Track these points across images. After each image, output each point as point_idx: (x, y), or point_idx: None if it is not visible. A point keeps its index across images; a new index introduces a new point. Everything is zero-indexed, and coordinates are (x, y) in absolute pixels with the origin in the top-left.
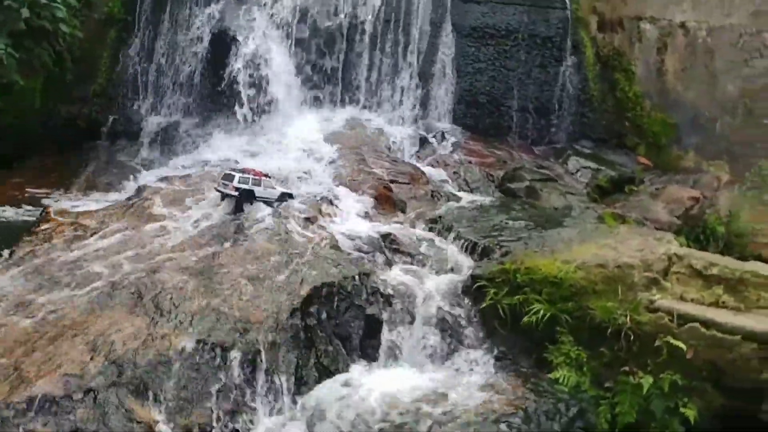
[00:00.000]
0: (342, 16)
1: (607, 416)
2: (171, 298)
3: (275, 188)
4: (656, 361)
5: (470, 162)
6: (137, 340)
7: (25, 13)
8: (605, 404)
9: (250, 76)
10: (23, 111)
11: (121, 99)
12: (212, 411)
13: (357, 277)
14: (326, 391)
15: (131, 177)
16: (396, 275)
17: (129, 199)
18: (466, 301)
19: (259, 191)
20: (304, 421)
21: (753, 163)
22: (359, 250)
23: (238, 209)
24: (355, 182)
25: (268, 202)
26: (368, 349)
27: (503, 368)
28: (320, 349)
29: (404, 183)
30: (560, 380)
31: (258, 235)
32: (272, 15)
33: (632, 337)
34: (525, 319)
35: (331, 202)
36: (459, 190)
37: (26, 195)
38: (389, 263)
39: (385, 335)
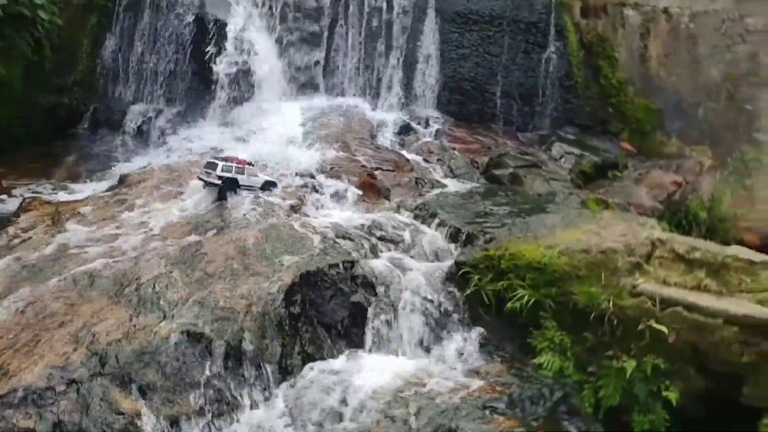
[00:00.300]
0: (326, 1)
1: (591, 400)
2: (154, 288)
3: (258, 176)
4: (639, 345)
5: (454, 149)
6: (120, 330)
7: None
8: (589, 388)
9: (233, 62)
10: (1, 100)
11: (102, 87)
12: (197, 401)
13: (341, 264)
14: (311, 379)
15: (113, 166)
16: (380, 263)
17: (111, 188)
18: (451, 287)
19: (242, 179)
20: (289, 409)
21: (735, 148)
22: (343, 237)
23: (221, 198)
24: (338, 170)
25: (251, 191)
26: (353, 336)
27: (488, 354)
28: (305, 338)
29: (388, 170)
30: (544, 365)
31: (241, 223)
32: (255, 1)
33: (615, 322)
34: (509, 305)
35: (315, 190)
36: (443, 177)
37: (6, 185)
38: (374, 251)
39: (370, 322)
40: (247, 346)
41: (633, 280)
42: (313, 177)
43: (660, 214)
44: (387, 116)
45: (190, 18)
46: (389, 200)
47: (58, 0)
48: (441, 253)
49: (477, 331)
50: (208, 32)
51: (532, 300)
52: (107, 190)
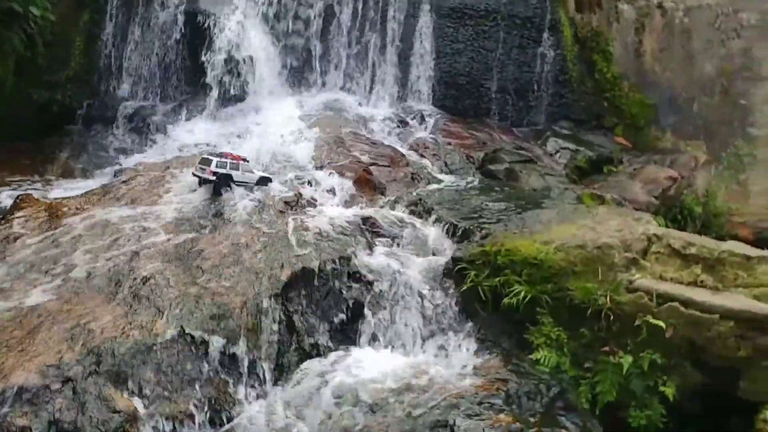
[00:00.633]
0: None
1: (588, 396)
2: (149, 285)
3: (253, 172)
4: (636, 341)
5: (450, 144)
6: (115, 328)
7: None
8: (586, 384)
9: (227, 58)
10: None
11: (95, 83)
12: (193, 398)
13: (337, 260)
14: (307, 375)
15: (107, 163)
16: (377, 258)
17: (105, 185)
18: (447, 283)
19: (237, 175)
20: (285, 405)
21: (730, 143)
22: (339, 233)
23: (215, 194)
24: (334, 165)
25: (246, 187)
26: (349, 332)
27: (484, 350)
28: (301, 334)
29: (384, 166)
30: (541, 361)
31: (236, 219)
32: None
33: (612, 317)
34: (505, 300)
35: (310, 185)
36: (439, 173)
37: None
38: (370, 246)
39: (366, 319)
40: (243, 343)
41: (629, 275)
42: (308, 172)
43: (655, 209)
44: (382, 111)
45: (183, 13)
46: (385, 195)
47: None
48: (437, 248)
49: (473, 327)
50: (202, 27)
51: (529, 296)
52: (101, 187)
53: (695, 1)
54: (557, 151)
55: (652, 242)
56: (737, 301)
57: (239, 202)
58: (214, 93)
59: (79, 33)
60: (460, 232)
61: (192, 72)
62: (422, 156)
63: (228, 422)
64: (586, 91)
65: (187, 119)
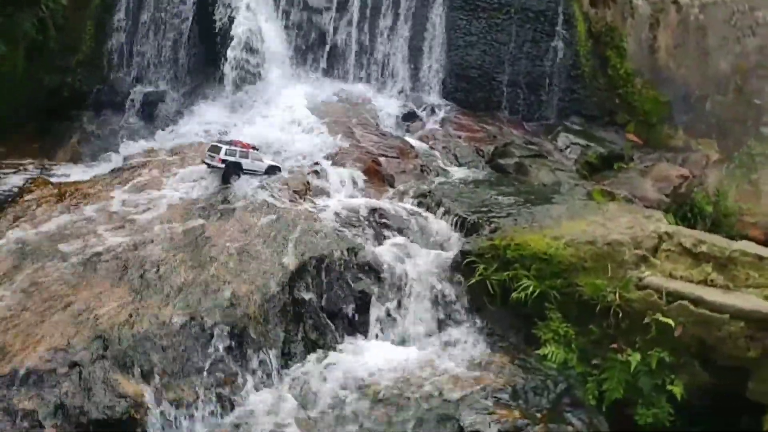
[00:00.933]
0: None
1: (595, 393)
2: (157, 271)
3: (263, 161)
4: (645, 339)
5: (460, 137)
6: (123, 314)
7: None
8: (593, 381)
9: (238, 45)
10: (5, 79)
11: (106, 68)
12: (200, 385)
13: (345, 251)
14: (314, 365)
15: (116, 148)
16: (385, 250)
17: (114, 170)
18: (456, 276)
19: (246, 163)
20: (291, 394)
21: (742, 142)
22: (348, 224)
23: (224, 181)
24: (343, 156)
25: (255, 175)
26: (357, 324)
27: (492, 344)
28: (308, 324)
29: (393, 157)
30: (548, 356)
31: (245, 208)
32: None
33: (621, 315)
34: (514, 295)
35: (319, 176)
36: (448, 165)
37: (9, 165)
38: (378, 238)
39: (374, 310)
40: (250, 331)
41: (639, 272)
42: (317, 162)
43: (665, 207)
44: (392, 102)
45: None
46: (394, 187)
47: None
48: (446, 241)
49: (481, 321)
50: (215, 13)
51: (537, 291)
52: (110, 172)
53: None
54: (568, 147)
55: (663, 240)
56: (748, 301)
57: (248, 191)
58: (225, 80)
59: (90, 17)
60: (469, 226)
61: (204, 58)
62: (432, 148)
63: (233, 409)
64: (599, 86)
65: (197, 105)
